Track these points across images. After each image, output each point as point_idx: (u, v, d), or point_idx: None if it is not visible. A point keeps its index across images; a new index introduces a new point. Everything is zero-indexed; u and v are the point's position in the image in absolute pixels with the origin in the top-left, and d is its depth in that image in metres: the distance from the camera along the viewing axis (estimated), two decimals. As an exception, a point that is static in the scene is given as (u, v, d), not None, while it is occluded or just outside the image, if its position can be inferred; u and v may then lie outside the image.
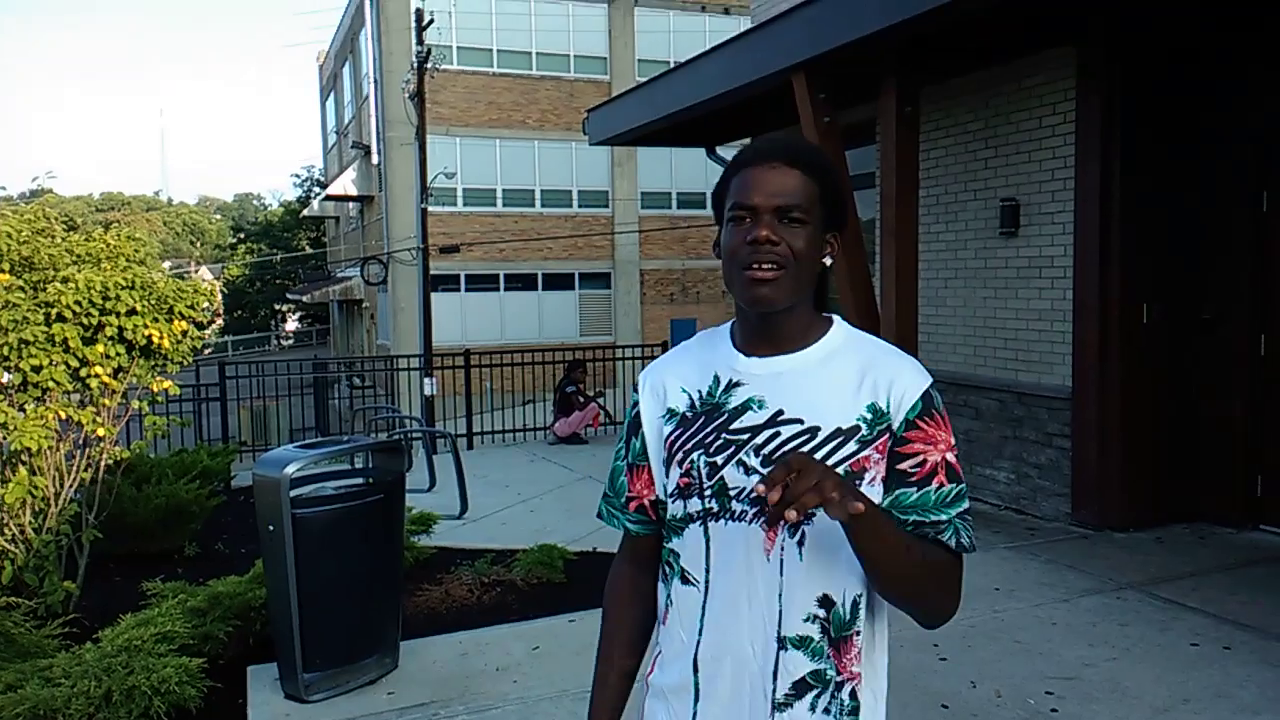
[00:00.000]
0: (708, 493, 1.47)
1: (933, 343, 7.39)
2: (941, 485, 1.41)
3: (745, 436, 1.45)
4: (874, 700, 1.47)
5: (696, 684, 1.49)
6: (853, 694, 1.44)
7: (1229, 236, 6.06)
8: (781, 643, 1.42)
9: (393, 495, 4.30)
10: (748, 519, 1.43)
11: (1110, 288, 6.08)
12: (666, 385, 1.58)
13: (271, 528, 3.91)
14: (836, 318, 1.54)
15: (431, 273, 18.14)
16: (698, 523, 1.48)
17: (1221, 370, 6.16)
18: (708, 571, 1.48)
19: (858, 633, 1.43)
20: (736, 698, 1.45)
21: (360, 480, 4.47)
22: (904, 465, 1.42)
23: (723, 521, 1.45)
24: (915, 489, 1.41)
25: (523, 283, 24.48)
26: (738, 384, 1.49)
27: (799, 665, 1.42)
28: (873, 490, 1.40)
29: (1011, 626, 4.63)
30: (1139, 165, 6.01)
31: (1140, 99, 5.99)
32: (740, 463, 1.44)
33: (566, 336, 22.91)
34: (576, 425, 10.69)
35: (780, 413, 1.45)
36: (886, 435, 1.42)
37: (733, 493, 1.44)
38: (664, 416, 1.56)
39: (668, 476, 1.54)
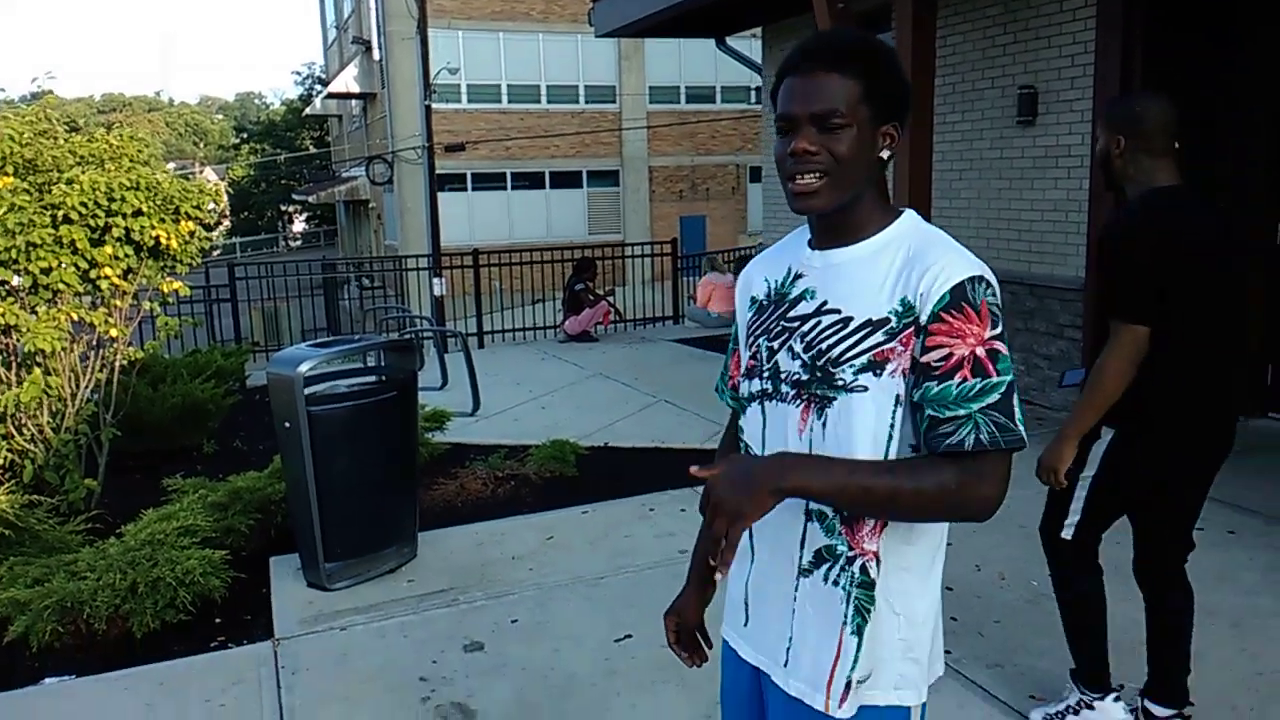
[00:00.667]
0: (765, 375, 1.59)
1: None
2: (965, 380, 1.41)
3: (795, 325, 1.55)
4: (891, 576, 1.51)
5: (751, 547, 1.64)
6: (863, 569, 1.50)
7: (1252, 131, 5.91)
8: (808, 514, 1.53)
9: (406, 392, 4.34)
10: (789, 399, 1.54)
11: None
12: (754, 276, 1.70)
13: (288, 425, 3.96)
14: (908, 211, 1.56)
15: (437, 172, 17.94)
16: (757, 402, 1.60)
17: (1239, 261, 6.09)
18: (762, 446, 1.59)
19: None
20: (774, 561, 1.59)
21: (373, 378, 4.51)
22: (928, 359, 1.43)
23: (774, 402, 1.57)
24: (936, 383, 1.42)
25: (530, 181, 24.22)
26: (800, 275, 1.59)
27: (818, 538, 1.53)
28: (893, 380, 1.45)
29: (1015, 514, 4.62)
30: (1160, 51, 5.83)
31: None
32: (789, 348, 1.55)
33: (575, 235, 22.76)
34: (586, 323, 10.70)
35: (825, 303, 1.53)
36: (913, 329, 1.44)
37: (782, 376, 1.55)
38: (749, 305, 1.68)
39: (742, 359, 1.67)
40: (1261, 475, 5.11)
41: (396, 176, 22.69)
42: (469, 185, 23.55)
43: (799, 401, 1.52)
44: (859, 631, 1.50)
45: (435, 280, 13.41)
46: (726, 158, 25.82)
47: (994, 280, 1.46)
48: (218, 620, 3.96)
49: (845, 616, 1.50)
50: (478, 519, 4.98)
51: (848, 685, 1.51)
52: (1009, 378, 1.43)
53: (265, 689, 3.41)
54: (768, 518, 1.43)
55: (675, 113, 24.99)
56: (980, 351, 1.41)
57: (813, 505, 1.51)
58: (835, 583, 1.52)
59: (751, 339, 1.63)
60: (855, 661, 1.51)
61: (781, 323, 1.57)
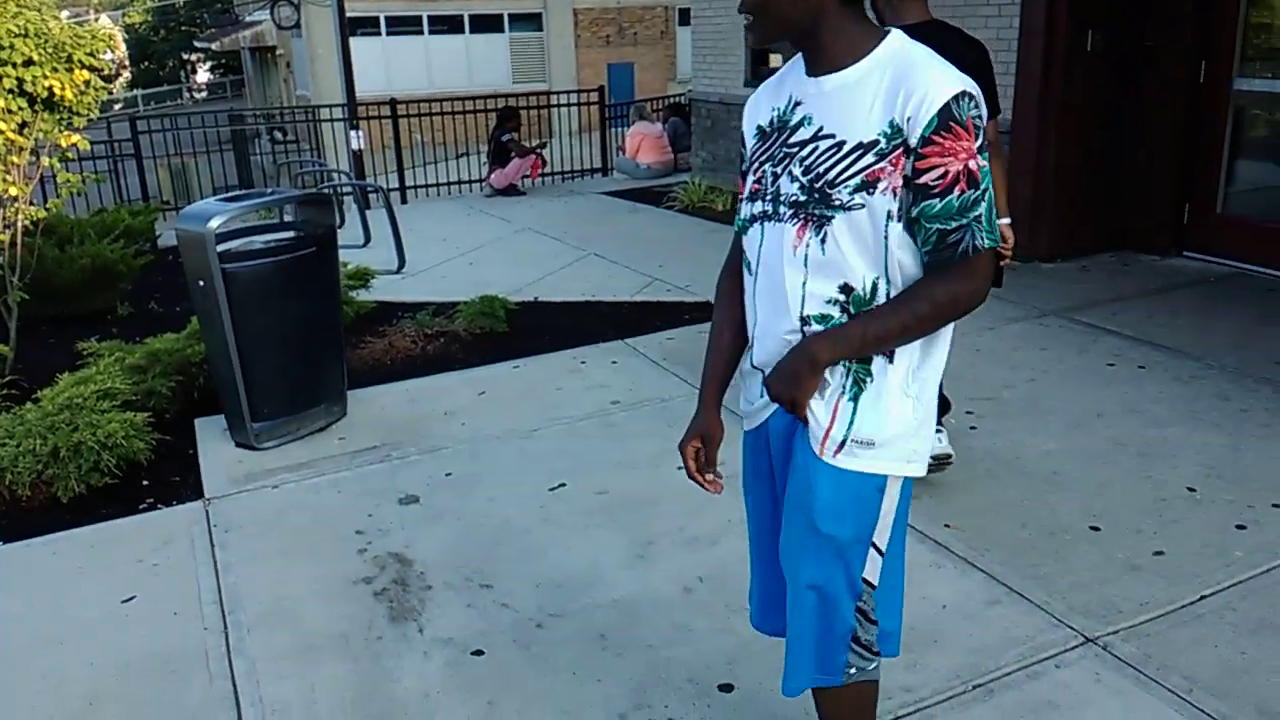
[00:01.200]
0: (768, 197, 1.72)
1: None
2: (963, 192, 1.56)
3: (795, 150, 1.68)
4: (896, 360, 1.69)
5: (752, 358, 1.84)
6: (865, 360, 1.69)
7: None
8: (805, 321, 1.69)
9: (324, 247, 4.21)
10: (786, 219, 1.68)
11: (1057, 14, 5.90)
12: (761, 105, 1.80)
13: (201, 283, 3.83)
14: (894, 32, 1.66)
15: (348, 14, 16.94)
16: (758, 223, 1.75)
17: (1161, 98, 6.13)
18: (758, 264, 1.76)
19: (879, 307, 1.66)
20: (777, 355, 1.74)
21: (290, 234, 4.35)
22: (925, 179, 1.57)
23: (773, 222, 1.71)
24: (939, 200, 1.56)
25: (448, 25, 23.06)
26: (799, 102, 1.70)
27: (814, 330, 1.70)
28: (884, 198, 1.59)
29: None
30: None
31: None
32: (790, 173, 1.68)
33: (498, 84, 21.91)
34: (513, 176, 10.43)
35: (821, 129, 1.65)
36: (902, 150, 1.57)
37: (782, 198, 1.69)
38: (755, 133, 1.80)
39: (747, 184, 1.80)
40: (1174, 314, 5.30)
41: (304, 20, 21.40)
42: (383, 29, 22.36)
43: (796, 220, 1.66)
44: (855, 399, 1.70)
45: (352, 133, 12.80)
46: (655, 0, 24.86)
47: (976, 91, 1.57)
48: (145, 483, 3.91)
49: (844, 388, 1.70)
50: (408, 376, 4.94)
51: (846, 441, 1.71)
52: (988, 183, 1.58)
53: (198, 547, 3.40)
54: (769, 328, 1.73)
55: (600, -50, 23.82)
56: (972, 165, 1.56)
57: (809, 310, 1.68)
58: (834, 371, 1.70)
59: (757, 165, 1.76)
60: (854, 421, 1.70)
61: (784, 149, 1.70)
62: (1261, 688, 2.46)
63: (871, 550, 1.79)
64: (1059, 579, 2.97)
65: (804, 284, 1.67)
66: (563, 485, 3.71)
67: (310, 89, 21.78)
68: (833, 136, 1.62)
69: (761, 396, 1.82)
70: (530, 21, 23.92)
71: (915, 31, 1.70)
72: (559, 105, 12.33)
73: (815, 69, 1.67)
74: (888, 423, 1.70)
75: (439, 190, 11.06)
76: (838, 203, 1.60)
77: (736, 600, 2.94)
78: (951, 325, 1.71)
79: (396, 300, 6.18)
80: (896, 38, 1.63)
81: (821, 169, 1.63)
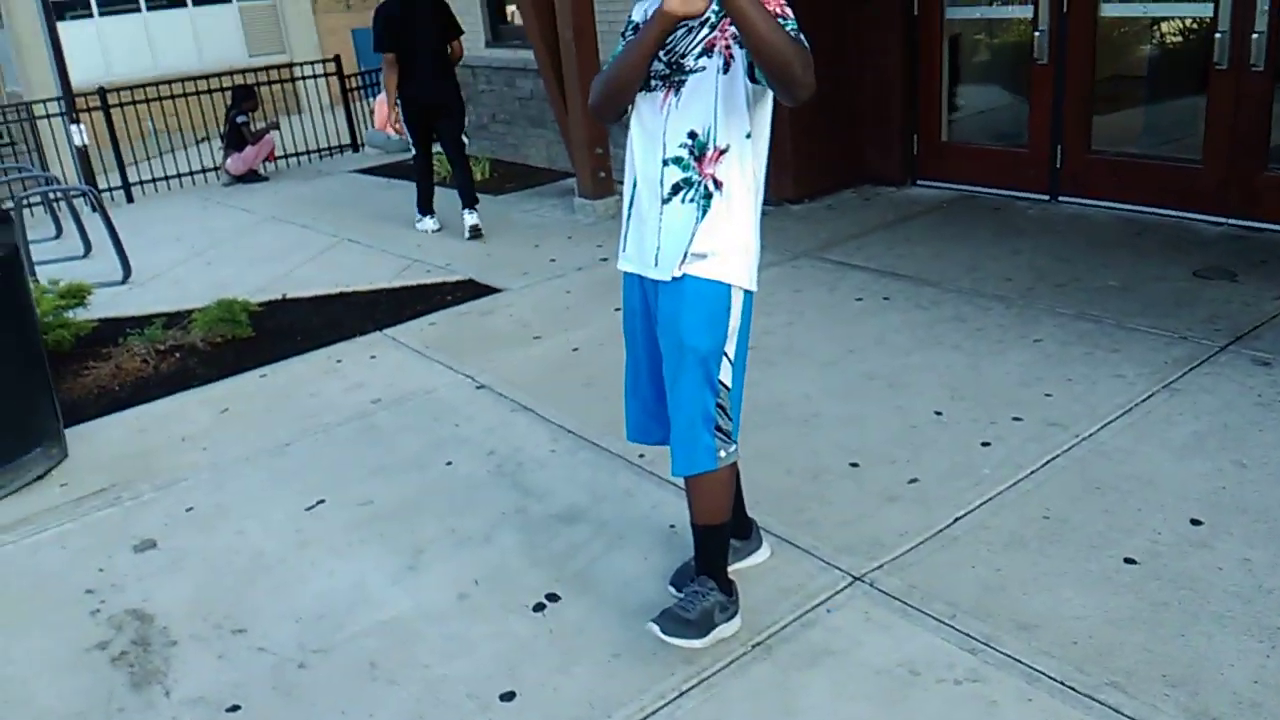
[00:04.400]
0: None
1: (616, 28, 7.13)
2: (779, 18, 2.10)
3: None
4: (729, 193, 2.29)
5: (632, 198, 2.42)
6: (705, 189, 2.29)
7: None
8: (665, 162, 2.29)
9: (8, 269, 3.69)
10: (655, 89, 2.31)
11: (777, -43, 5.98)
12: (643, 4, 2.37)
13: None
14: None
15: (47, -3, 15.20)
16: (641, 92, 2.33)
17: (880, 34, 6.37)
18: (641, 127, 2.36)
19: (718, 150, 2.26)
20: (648, 200, 2.36)
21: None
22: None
23: (644, 93, 2.33)
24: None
25: None
26: (655, 6, 2.19)
27: (675, 175, 2.30)
28: (720, 58, 2.24)
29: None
30: None
31: None
32: (658, 56, 2.28)
33: (233, 59, 20.32)
34: (252, 161, 9.69)
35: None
36: (726, 17, 2.16)
37: (652, 74, 2.30)
38: (632, 28, 2.39)
39: None
40: (912, 241, 5.56)
41: (4, 9, 19.10)
42: (95, 9, 20.29)
43: (662, 87, 2.29)
44: (698, 221, 2.28)
45: (74, 128, 11.54)
46: (391, -40, 23.79)
47: None
48: None
49: (696, 217, 2.29)
50: (138, 402, 4.46)
51: (685, 257, 2.30)
52: (796, 23, 2.16)
53: (-109, 643, 2.94)
54: (643, 171, 2.35)
55: (323, -91, 22.45)
56: (778, 9, 2.14)
57: (670, 153, 2.28)
58: (686, 200, 2.30)
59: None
60: (691, 238, 2.29)
61: None
62: (1018, 602, 2.58)
63: (724, 359, 2.36)
64: (824, 521, 3.03)
65: (664, 133, 2.28)
66: (321, 502, 3.46)
67: (20, 83, 19.52)
68: (685, 23, 2.20)
69: (627, 249, 2.45)
70: (260, -10, 22.36)
71: None
72: (303, 78, 11.53)
73: None
74: (718, 240, 2.28)
75: (173, 183, 10.14)
76: (687, 68, 2.24)
77: (513, 598, 2.83)
78: (759, 164, 2.34)
79: (123, 315, 5.59)
80: None
81: (676, 47, 2.26)
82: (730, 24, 2.13)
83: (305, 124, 10.83)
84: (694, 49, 2.25)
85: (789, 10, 2.18)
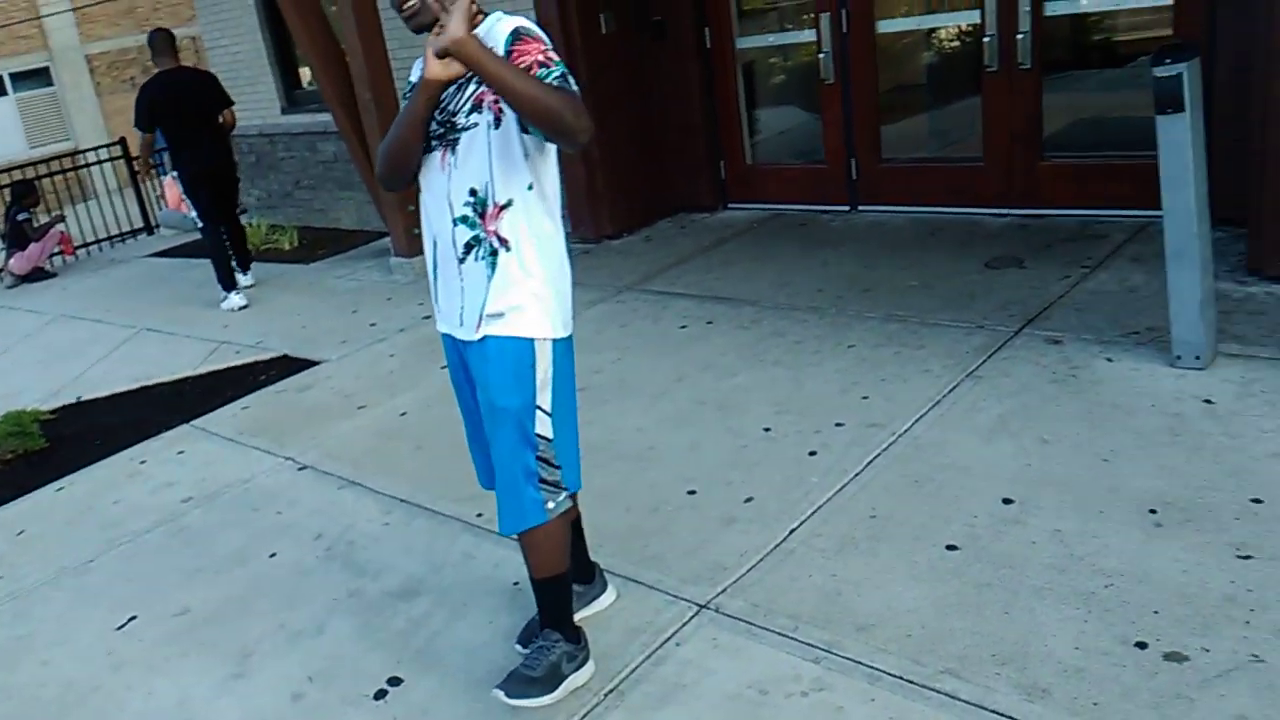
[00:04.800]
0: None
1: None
2: (543, 68, 2.13)
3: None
4: (519, 247, 2.27)
5: (434, 259, 2.38)
6: (491, 246, 2.28)
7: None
8: (455, 222, 2.28)
9: None
10: (433, 149, 2.30)
11: (567, 4, 6.06)
12: (416, 68, 2.32)
13: None
14: (497, 12, 2.27)
15: None
16: (425, 154, 2.32)
17: (678, 68, 6.53)
18: (429, 189, 2.34)
19: (498, 205, 2.24)
20: (444, 261, 2.35)
21: None
22: (518, 65, 2.13)
23: (427, 152, 2.32)
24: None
25: (-67, 97, 19.72)
26: None
27: (465, 234, 2.28)
28: (490, 113, 2.21)
29: (528, 356, 4.78)
30: None
31: None
32: (435, 119, 2.28)
33: (13, 153, 19.09)
34: (37, 258, 9.03)
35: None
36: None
37: (430, 134, 2.29)
38: (408, 88, 2.37)
39: None
40: (728, 265, 5.68)
41: None
42: None
43: (439, 146, 2.28)
44: (489, 279, 2.27)
45: None
46: (178, 30, 22.91)
47: (535, 26, 2.23)
48: None
49: (487, 276, 2.27)
50: (-81, 536, 4.05)
51: (480, 319, 2.29)
52: (564, 69, 2.15)
53: None
54: (437, 232, 2.32)
55: (102, -12, 21.44)
56: (542, 57, 2.15)
57: (457, 213, 2.27)
58: (478, 258, 2.28)
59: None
60: (485, 298, 2.28)
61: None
62: (854, 604, 2.62)
63: (539, 412, 2.33)
64: (668, 554, 3.01)
65: (449, 193, 2.27)
66: (133, 619, 3.19)
67: None
68: (455, 81, 2.21)
69: (440, 303, 2.43)
70: (36, 78, 21.11)
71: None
72: (89, 165, 10.88)
73: None
74: (512, 296, 2.27)
75: (-49, 292, 9.33)
76: (460, 125, 2.23)
77: (353, 688, 2.68)
78: (557, 221, 2.34)
79: (-102, 444, 5.08)
80: (495, 14, 2.25)
81: (450, 106, 2.25)
82: (507, 53, 2.15)
83: (95, 211, 10.22)
84: (464, 106, 2.24)
85: (552, 56, 2.17)
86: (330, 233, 8.53)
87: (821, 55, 5.95)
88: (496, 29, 2.21)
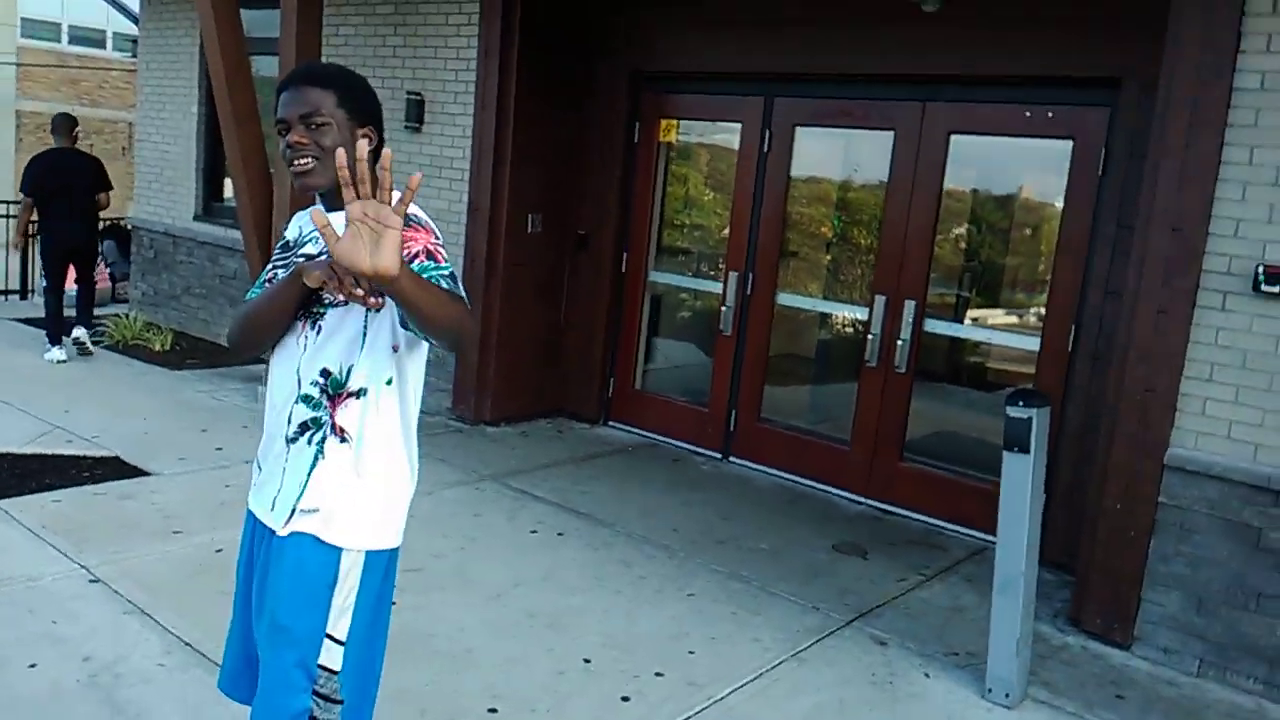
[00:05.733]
0: None
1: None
2: (425, 262, 1.92)
3: (301, 260, 2.04)
4: (355, 441, 1.99)
5: (268, 429, 2.09)
6: (326, 435, 1.99)
7: (606, 160, 6.63)
8: (297, 399, 2.00)
9: None
10: (297, 317, 2.02)
11: (501, 195, 6.32)
12: (293, 223, 2.18)
13: None
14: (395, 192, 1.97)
15: None
16: None
17: (592, 282, 6.78)
18: (277, 352, 2.07)
19: (349, 393, 1.98)
20: (274, 435, 2.06)
21: None
22: (406, 255, 1.86)
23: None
24: (415, 266, 1.87)
25: None
26: (311, 229, 2.07)
27: (304, 413, 2.01)
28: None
29: (370, 523, 4.62)
30: (537, 77, 6.27)
31: (541, 15, 6.21)
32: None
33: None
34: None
35: (325, 250, 1.90)
36: None
37: None
38: (281, 243, 2.18)
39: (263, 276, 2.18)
40: (596, 480, 5.71)
41: None
42: None
43: (301, 318, 2.00)
44: (312, 468, 1.98)
45: None
46: (117, 113, 22.76)
47: (427, 219, 2.03)
48: None
49: (312, 465, 1.98)
50: None
51: (292, 512, 1.98)
52: (451, 267, 1.95)
53: None
54: (274, 403, 2.05)
55: (56, 53, 21.42)
56: (429, 246, 1.95)
57: (303, 390, 1.99)
58: (310, 442, 2.00)
59: (272, 268, 2.12)
60: (302, 492, 1.98)
61: (293, 258, 2.07)
62: None
63: (328, 641, 1.99)
64: (451, 774, 2.83)
65: (299, 368, 2.00)
66: None
67: None
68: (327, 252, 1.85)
69: (256, 484, 2.11)
70: (-41, 114, 20.53)
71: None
72: (2, 216, 10.45)
73: (332, 205, 1.95)
74: (332, 495, 1.98)
75: None
76: (327, 301, 1.96)
77: None
78: (402, 431, 2.05)
79: None
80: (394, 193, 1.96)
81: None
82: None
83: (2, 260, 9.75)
84: None
85: (440, 249, 1.97)
86: (207, 345, 8.29)
87: (724, 308, 6.28)
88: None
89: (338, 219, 1.78)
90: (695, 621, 3.96)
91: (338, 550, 1.97)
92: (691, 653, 3.70)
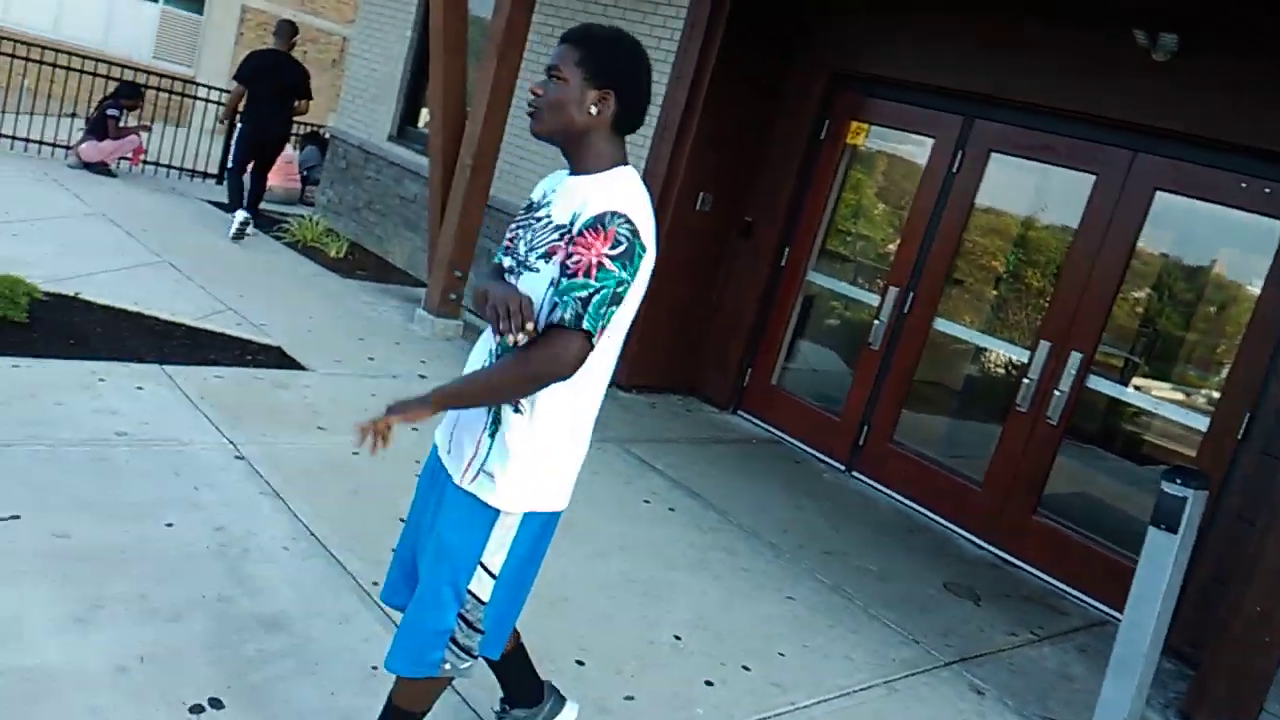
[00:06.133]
0: (510, 253, 2.21)
1: (514, 173, 7.32)
2: (581, 276, 1.97)
3: (532, 223, 2.17)
4: (524, 412, 2.08)
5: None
6: (515, 401, 2.08)
7: (787, 152, 6.57)
8: (490, 353, 2.16)
9: None
10: (515, 272, 2.14)
11: (678, 166, 6.37)
12: (539, 185, 2.29)
13: None
14: (627, 167, 2.14)
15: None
16: (509, 273, 2.17)
17: (749, 270, 6.76)
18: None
19: None
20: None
21: None
22: (568, 260, 2.00)
23: (511, 275, 2.16)
24: (566, 278, 2.00)
25: (95, -28, 20.50)
26: (554, 190, 2.19)
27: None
28: (549, 265, 2.04)
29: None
30: (734, 60, 6.27)
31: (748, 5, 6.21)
32: (523, 239, 2.17)
33: (138, 55, 19.69)
34: (109, 154, 9.21)
35: (550, 214, 2.13)
36: (569, 236, 2.02)
37: (516, 256, 2.16)
38: (526, 204, 2.27)
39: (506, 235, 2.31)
40: (714, 463, 5.71)
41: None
42: (13, -49, 19.35)
43: (514, 275, 2.13)
44: (492, 435, 2.09)
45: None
46: (333, 25, 23.91)
47: (631, 217, 2.01)
48: None
49: (485, 424, 2.09)
50: None
51: (479, 471, 2.11)
52: (604, 283, 1.97)
53: None
54: (471, 360, 2.21)
55: (290, -41, 22.53)
56: (593, 259, 1.97)
57: (495, 347, 2.13)
58: (489, 408, 2.10)
59: (513, 227, 2.24)
60: (488, 455, 2.09)
61: (531, 219, 2.18)
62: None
63: (481, 570, 2.13)
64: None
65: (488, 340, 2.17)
66: (15, 518, 3.10)
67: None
68: (550, 218, 2.10)
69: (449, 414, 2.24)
70: (192, 1, 21.96)
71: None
72: (202, 99, 11.22)
73: (573, 169, 2.16)
74: (501, 462, 2.08)
75: (14, 144, 9.48)
76: (528, 264, 2.09)
77: (175, 690, 2.57)
78: (575, 390, 2.08)
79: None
80: (623, 170, 2.12)
81: (534, 240, 2.11)
82: (570, 244, 2.01)
83: (181, 139, 10.47)
84: (539, 245, 2.09)
85: (606, 264, 1.97)
86: (377, 260, 8.68)
87: (876, 322, 6.16)
88: (594, 198, 2.02)
89: (569, 182, 2.14)
90: (790, 625, 3.94)
91: (496, 511, 2.11)
92: (781, 655, 3.68)
